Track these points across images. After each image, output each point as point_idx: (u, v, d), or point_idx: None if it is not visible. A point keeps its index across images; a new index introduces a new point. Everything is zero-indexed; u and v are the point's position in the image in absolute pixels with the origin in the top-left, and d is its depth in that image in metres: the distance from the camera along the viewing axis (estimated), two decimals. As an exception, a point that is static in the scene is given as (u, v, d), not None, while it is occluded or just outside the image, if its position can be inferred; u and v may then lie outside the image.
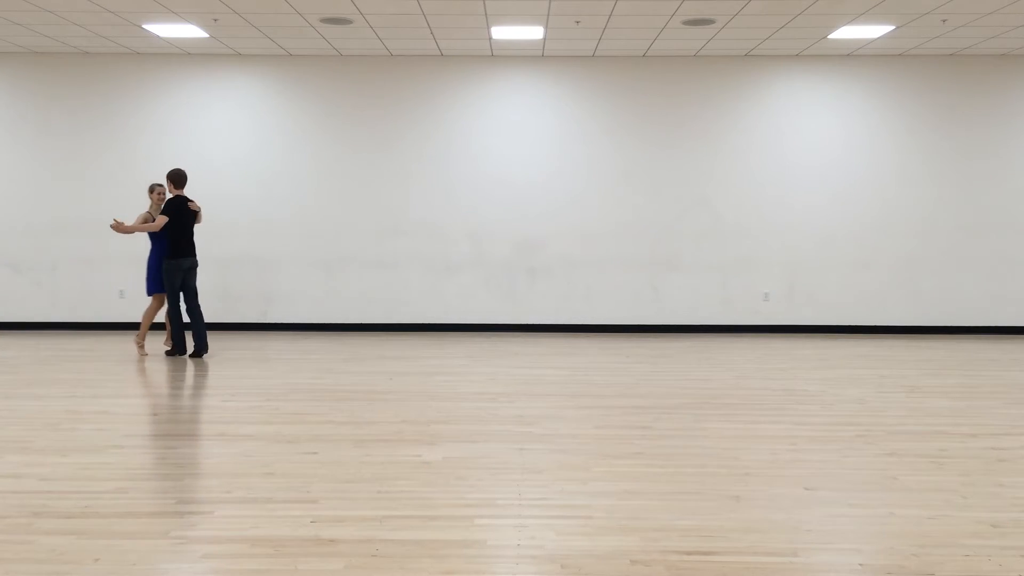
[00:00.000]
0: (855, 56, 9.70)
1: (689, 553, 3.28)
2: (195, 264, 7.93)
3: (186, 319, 8.02)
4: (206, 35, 8.73)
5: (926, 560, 3.22)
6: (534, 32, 8.54)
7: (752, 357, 8.16)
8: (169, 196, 7.85)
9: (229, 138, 9.85)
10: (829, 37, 8.74)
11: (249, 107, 9.84)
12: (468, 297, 9.99)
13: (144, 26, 8.38)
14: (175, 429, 5.22)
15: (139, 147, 9.85)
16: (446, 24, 8.23)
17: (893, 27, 8.32)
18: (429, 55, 9.71)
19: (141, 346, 8.07)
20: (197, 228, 9.91)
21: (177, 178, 7.81)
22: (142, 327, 8.04)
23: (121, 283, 9.93)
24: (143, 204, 9.87)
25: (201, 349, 7.89)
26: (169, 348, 8.03)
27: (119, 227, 7.68)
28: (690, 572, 3.11)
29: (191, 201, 7.85)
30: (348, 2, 7.45)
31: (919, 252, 9.87)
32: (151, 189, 8.10)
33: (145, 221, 7.91)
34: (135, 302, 9.90)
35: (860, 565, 3.18)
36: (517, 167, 9.87)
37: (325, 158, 9.87)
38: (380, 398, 6.16)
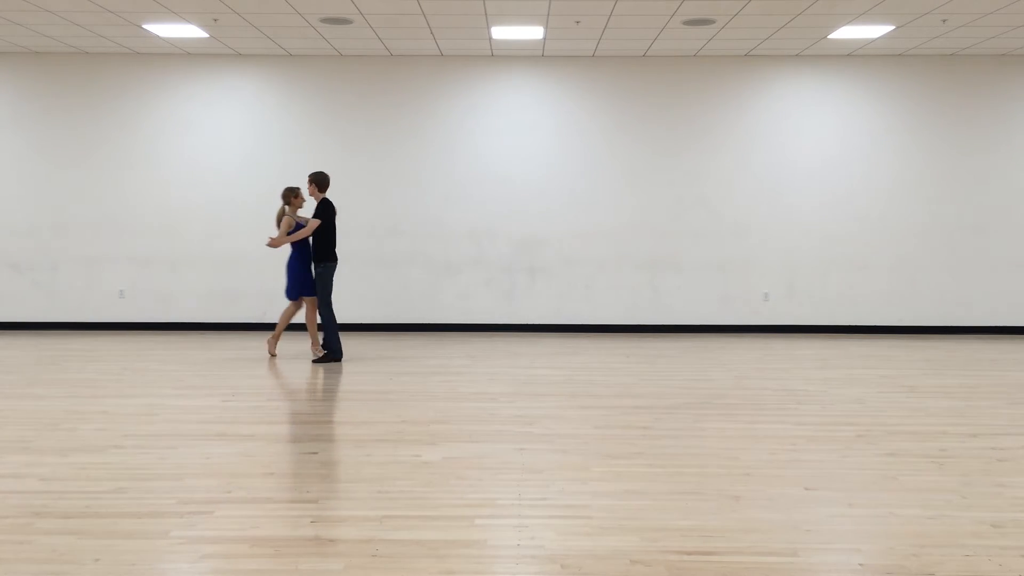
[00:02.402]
0: (855, 56, 9.70)
1: (689, 553, 3.28)
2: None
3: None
4: (206, 35, 8.73)
5: (926, 560, 3.22)
6: (534, 32, 8.54)
7: (752, 357, 8.15)
8: (314, 199, 7.69)
9: (229, 138, 9.85)
10: (829, 37, 8.74)
11: (249, 107, 9.84)
12: (468, 297, 9.99)
13: (144, 26, 8.38)
14: (175, 429, 5.22)
15: (139, 147, 9.85)
16: (446, 24, 8.23)
17: (893, 27, 8.32)
18: (429, 55, 9.71)
19: (273, 350, 7.98)
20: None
21: (320, 180, 7.68)
22: (277, 329, 7.95)
23: (121, 283, 9.93)
24: (144, 204, 9.88)
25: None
26: (321, 355, 7.74)
27: (276, 242, 7.61)
28: (690, 572, 3.11)
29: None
30: (348, 2, 7.46)
31: (919, 252, 9.87)
32: (294, 194, 7.77)
33: (290, 227, 7.67)
34: (135, 302, 9.91)
35: (860, 565, 3.18)
36: (517, 167, 9.87)
37: (325, 158, 9.86)
38: (380, 398, 6.16)
